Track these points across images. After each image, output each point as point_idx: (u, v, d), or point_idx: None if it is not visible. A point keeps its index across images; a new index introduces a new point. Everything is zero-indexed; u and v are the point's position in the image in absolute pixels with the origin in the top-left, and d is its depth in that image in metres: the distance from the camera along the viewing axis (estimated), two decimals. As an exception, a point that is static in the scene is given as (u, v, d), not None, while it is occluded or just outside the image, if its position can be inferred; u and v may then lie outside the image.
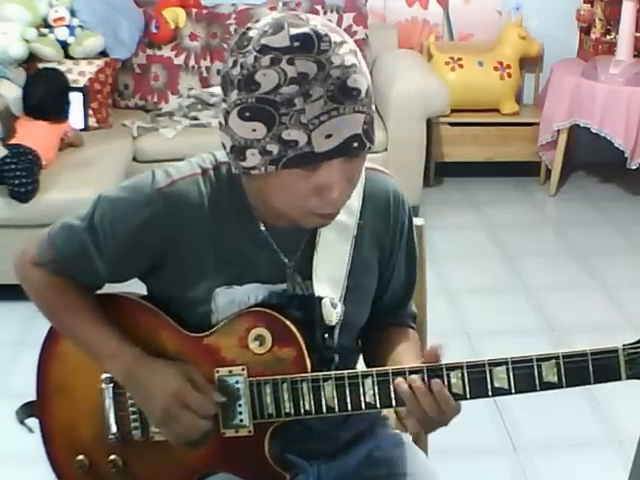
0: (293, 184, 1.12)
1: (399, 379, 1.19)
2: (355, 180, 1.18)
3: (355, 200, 1.29)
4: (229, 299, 1.26)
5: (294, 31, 1.07)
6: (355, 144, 1.10)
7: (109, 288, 1.36)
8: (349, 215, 1.28)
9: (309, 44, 1.06)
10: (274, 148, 1.08)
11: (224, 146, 1.17)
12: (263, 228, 1.25)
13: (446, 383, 1.18)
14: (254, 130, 1.09)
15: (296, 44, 1.06)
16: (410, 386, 1.18)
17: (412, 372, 1.19)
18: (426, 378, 1.18)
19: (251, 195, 1.24)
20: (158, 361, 1.26)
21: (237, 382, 1.25)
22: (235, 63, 1.09)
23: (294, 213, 1.17)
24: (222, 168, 1.25)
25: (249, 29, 1.11)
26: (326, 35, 1.07)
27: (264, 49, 1.06)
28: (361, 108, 1.09)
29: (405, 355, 1.30)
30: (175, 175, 1.24)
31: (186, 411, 1.22)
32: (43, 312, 1.34)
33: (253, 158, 1.11)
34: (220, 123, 1.15)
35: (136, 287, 1.36)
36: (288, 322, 1.24)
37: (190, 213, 1.23)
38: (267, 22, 1.10)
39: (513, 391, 1.18)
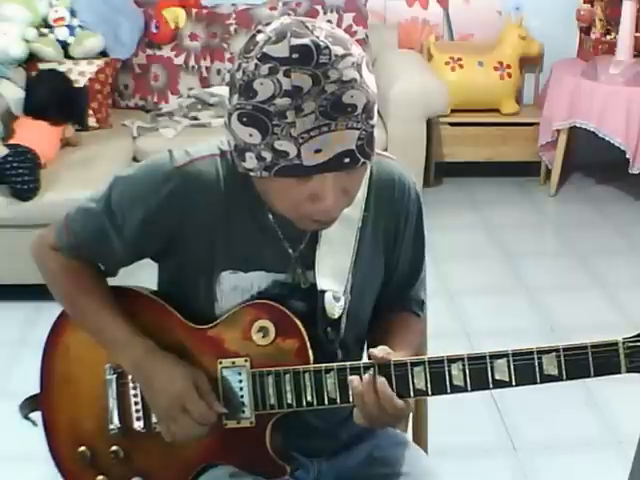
0: (288, 190, 1.14)
1: (355, 377, 1.20)
2: (353, 191, 1.18)
3: (360, 191, 1.28)
4: (233, 285, 1.27)
5: (295, 42, 1.07)
6: (347, 160, 1.10)
7: (119, 280, 1.38)
8: (353, 207, 1.27)
9: (307, 56, 1.06)
10: (268, 155, 1.10)
11: (229, 144, 1.18)
12: (271, 217, 1.26)
13: (447, 375, 1.19)
14: (251, 135, 1.11)
15: (295, 55, 1.06)
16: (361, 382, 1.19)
17: (413, 364, 1.20)
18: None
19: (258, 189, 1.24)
20: (168, 358, 1.27)
21: (240, 373, 1.26)
22: (239, 67, 1.11)
23: (291, 216, 1.19)
24: None
25: (258, 32, 1.12)
26: (326, 48, 1.07)
27: (264, 57, 1.07)
28: (355, 125, 1.09)
29: (395, 347, 1.28)
30: (194, 154, 1.26)
31: (185, 416, 1.23)
32: (57, 297, 1.35)
33: (251, 161, 1.13)
34: (225, 122, 1.17)
35: (147, 282, 1.38)
36: (291, 314, 1.25)
37: (206, 192, 1.24)
38: (273, 28, 1.10)
39: (514, 383, 1.18)
